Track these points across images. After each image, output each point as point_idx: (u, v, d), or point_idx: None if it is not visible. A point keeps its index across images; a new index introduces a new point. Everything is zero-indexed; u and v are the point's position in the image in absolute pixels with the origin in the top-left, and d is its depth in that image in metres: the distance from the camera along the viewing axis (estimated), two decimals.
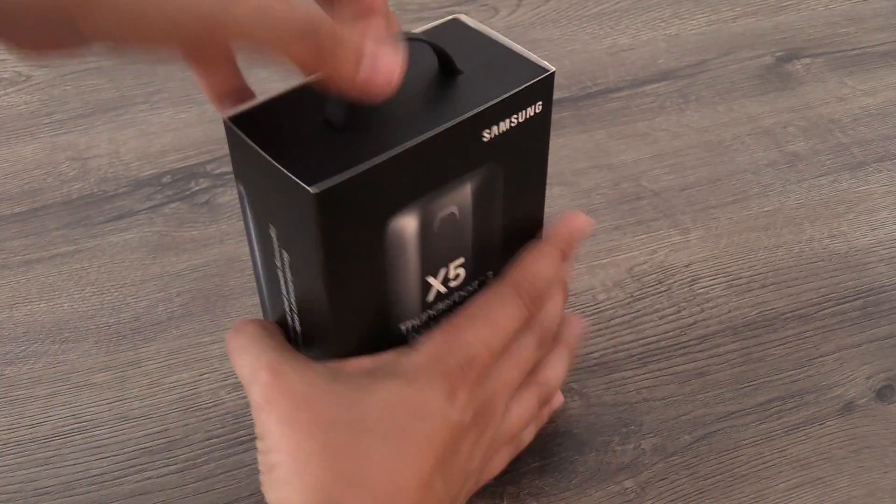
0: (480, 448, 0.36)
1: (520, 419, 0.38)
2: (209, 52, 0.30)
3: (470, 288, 0.38)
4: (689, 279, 0.51)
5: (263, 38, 0.26)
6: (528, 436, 0.41)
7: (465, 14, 0.72)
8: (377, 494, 0.32)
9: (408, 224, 0.33)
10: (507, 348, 0.36)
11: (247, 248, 0.52)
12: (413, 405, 0.33)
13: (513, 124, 0.34)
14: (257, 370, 0.33)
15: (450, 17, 0.36)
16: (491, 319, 0.35)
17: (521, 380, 0.37)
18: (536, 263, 0.37)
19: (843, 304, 0.50)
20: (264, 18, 0.25)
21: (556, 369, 0.39)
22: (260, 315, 0.48)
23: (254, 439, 0.43)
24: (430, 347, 0.34)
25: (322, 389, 0.32)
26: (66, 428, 0.44)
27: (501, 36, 0.36)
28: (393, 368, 0.34)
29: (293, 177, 0.30)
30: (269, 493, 0.32)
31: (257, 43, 0.26)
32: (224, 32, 0.25)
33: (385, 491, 0.32)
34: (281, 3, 0.25)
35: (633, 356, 0.47)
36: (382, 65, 0.28)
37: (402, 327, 0.36)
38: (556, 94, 0.64)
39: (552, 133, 0.60)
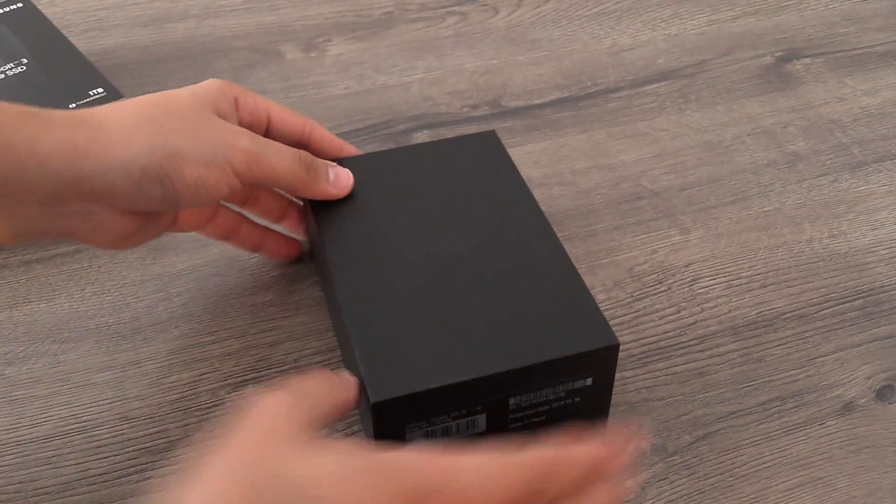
0: None
1: None
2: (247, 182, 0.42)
3: None
4: (689, 279, 0.51)
5: (279, 164, 0.42)
6: None
7: (467, 13, 0.72)
8: None
9: None
10: None
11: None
12: (352, 497, 0.28)
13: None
14: (266, 391, 0.32)
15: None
16: (490, 477, 0.30)
17: None
18: (565, 461, 0.32)
19: (843, 304, 0.50)
20: (280, 152, 0.42)
21: None
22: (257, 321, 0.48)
23: None
24: (414, 456, 0.30)
25: (288, 436, 0.30)
26: (66, 428, 0.44)
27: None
28: (366, 454, 0.30)
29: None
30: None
31: (274, 169, 0.42)
32: (265, 165, 0.41)
33: None
34: (285, 147, 0.43)
35: (633, 356, 0.47)
36: (342, 178, 0.46)
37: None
38: (556, 94, 0.64)
39: (552, 133, 0.61)
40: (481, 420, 0.39)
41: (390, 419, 0.37)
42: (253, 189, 0.48)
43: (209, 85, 0.42)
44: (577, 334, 0.39)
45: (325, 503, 0.28)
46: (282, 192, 0.49)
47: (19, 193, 0.36)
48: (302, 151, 0.44)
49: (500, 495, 0.30)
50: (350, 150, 0.49)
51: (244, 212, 0.50)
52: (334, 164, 0.46)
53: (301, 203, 0.50)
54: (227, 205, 0.48)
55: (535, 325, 0.39)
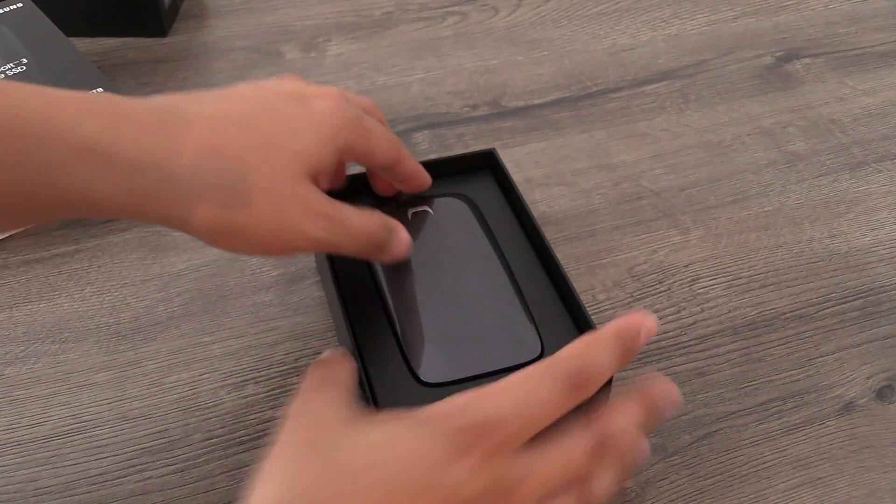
0: None
1: None
2: None
3: None
4: (689, 279, 0.51)
5: (348, 248, 0.38)
6: None
7: (467, 13, 0.72)
8: None
9: None
10: (548, 437, 0.32)
11: None
12: (411, 450, 0.29)
13: None
14: (303, 389, 0.34)
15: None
16: (528, 390, 0.31)
17: (563, 485, 0.31)
18: (590, 348, 0.33)
19: (843, 304, 0.50)
20: (355, 238, 0.38)
21: (601, 481, 0.33)
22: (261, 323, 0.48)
23: (253, 439, 0.43)
24: (453, 400, 0.31)
25: (333, 420, 0.32)
26: (66, 428, 0.44)
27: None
28: (406, 416, 0.31)
29: None
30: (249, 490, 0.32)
31: (341, 251, 0.38)
32: (333, 250, 0.38)
33: None
34: (360, 228, 0.38)
35: None
36: (401, 250, 0.41)
37: None
38: (556, 94, 0.64)
39: (552, 133, 0.61)
40: None
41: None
42: None
43: (318, 135, 0.37)
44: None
45: (384, 466, 0.29)
46: None
47: (61, 217, 0.33)
48: (377, 231, 0.39)
49: (549, 398, 0.31)
50: (426, 183, 0.45)
51: None
52: (401, 229, 0.42)
53: None
54: None
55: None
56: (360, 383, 0.38)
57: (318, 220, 0.36)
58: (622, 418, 0.33)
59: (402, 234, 0.41)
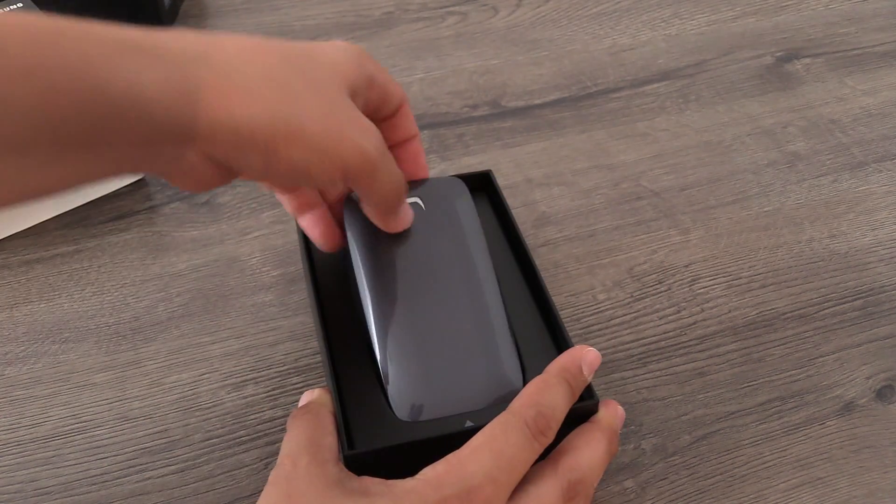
0: None
1: None
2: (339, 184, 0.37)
3: None
4: (689, 279, 0.51)
5: (385, 183, 0.36)
6: None
7: (467, 13, 0.72)
8: None
9: None
10: (523, 491, 0.33)
11: (246, 248, 0.52)
12: None
13: None
14: (284, 455, 0.34)
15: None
16: (496, 448, 0.32)
17: None
18: (541, 392, 0.34)
19: (843, 304, 0.50)
20: (392, 171, 0.36)
21: None
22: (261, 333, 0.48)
23: (253, 440, 0.43)
24: (428, 474, 0.32)
25: (315, 491, 0.32)
26: (66, 428, 0.44)
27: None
28: (387, 489, 0.32)
29: None
30: None
31: (376, 184, 0.36)
32: (369, 181, 0.35)
33: None
34: (397, 168, 0.37)
35: (633, 356, 0.47)
36: (406, 218, 0.41)
37: None
38: (556, 94, 0.64)
39: (552, 133, 0.61)
40: None
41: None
42: None
43: (347, 54, 0.36)
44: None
45: None
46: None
47: (109, 137, 0.30)
48: (403, 182, 0.39)
49: (516, 452, 0.32)
50: (422, 172, 0.44)
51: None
52: (408, 206, 0.42)
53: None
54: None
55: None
56: (335, 416, 0.37)
57: (368, 133, 0.35)
58: (588, 453, 0.35)
59: (408, 209, 0.41)
